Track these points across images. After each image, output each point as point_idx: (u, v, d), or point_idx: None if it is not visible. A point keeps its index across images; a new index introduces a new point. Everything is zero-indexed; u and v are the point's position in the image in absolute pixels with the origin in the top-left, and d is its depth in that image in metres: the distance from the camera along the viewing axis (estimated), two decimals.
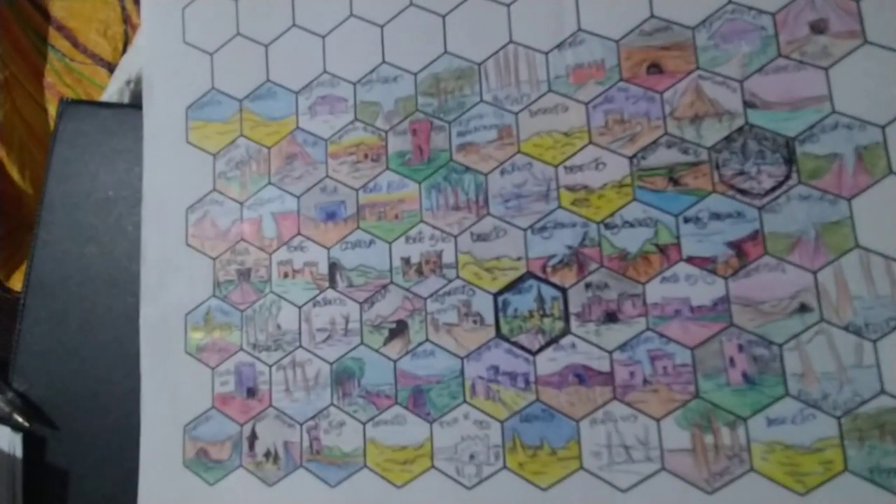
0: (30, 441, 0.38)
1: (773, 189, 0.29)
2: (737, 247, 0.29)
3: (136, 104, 0.41)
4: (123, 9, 0.45)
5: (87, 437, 0.38)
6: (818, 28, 0.30)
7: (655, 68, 0.31)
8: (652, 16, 0.32)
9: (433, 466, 0.31)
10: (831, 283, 0.28)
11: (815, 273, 0.28)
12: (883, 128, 0.28)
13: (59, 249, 0.40)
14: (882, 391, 0.27)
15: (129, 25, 0.45)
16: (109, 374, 0.38)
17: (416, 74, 0.34)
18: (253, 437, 0.34)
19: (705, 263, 0.29)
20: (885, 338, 0.27)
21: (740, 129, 0.30)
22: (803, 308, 0.28)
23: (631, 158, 0.31)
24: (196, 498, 0.34)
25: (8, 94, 0.45)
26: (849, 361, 0.27)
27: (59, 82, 0.47)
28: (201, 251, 0.36)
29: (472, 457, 0.31)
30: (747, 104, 0.30)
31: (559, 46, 0.33)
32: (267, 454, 0.33)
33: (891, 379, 0.27)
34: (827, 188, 0.28)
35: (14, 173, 0.45)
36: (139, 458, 0.35)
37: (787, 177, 0.29)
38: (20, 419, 0.38)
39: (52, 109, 0.47)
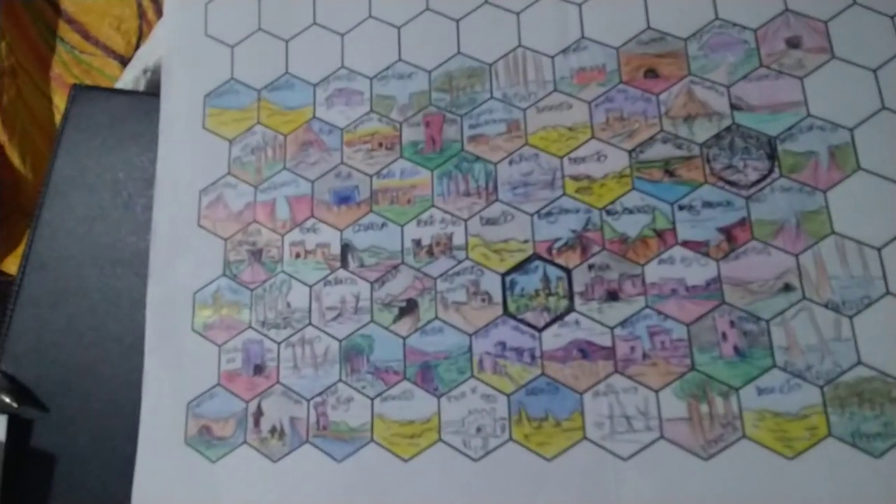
0: (16, 424, 0.37)
1: (758, 181, 0.32)
2: (727, 232, 0.32)
3: (151, 92, 0.42)
4: (139, 5, 0.47)
5: (79, 421, 0.37)
6: (793, 43, 0.33)
7: (652, 73, 0.34)
8: (648, 27, 0.35)
9: (440, 440, 0.32)
10: (811, 265, 0.31)
11: (796, 256, 0.31)
12: (851, 130, 0.32)
13: (62, 229, 0.40)
14: (859, 362, 0.29)
15: (144, 21, 0.46)
16: (106, 355, 0.37)
17: (430, 72, 0.37)
18: (259, 413, 0.34)
19: (699, 247, 0.32)
20: (860, 314, 0.30)
21: (728, 128, 0.33)
22: (787, 287, 0.31)
23: (630, 152, 0.34)
24: (196, 475, 0.34)
25: (13, 81, 0.46)
26: (829, 335, 0.30)
27: (67, 73, 0.48)
28: (213, 232, 0.37)
29: (478, 430, 0.32)
30: (734, 106, 0.33)
31: (564, 51, 0.36)
32: (273, 430, 0.34)
33: (866, 351, 0.29)
34: (805, 181, 0.32)
35: (15, 159, 0.45)
36: (137, 439, 0.35)
37: (770, 171, 0.32)
38: (7, 400, 0.37)
39: (58, 99, 0.47)
